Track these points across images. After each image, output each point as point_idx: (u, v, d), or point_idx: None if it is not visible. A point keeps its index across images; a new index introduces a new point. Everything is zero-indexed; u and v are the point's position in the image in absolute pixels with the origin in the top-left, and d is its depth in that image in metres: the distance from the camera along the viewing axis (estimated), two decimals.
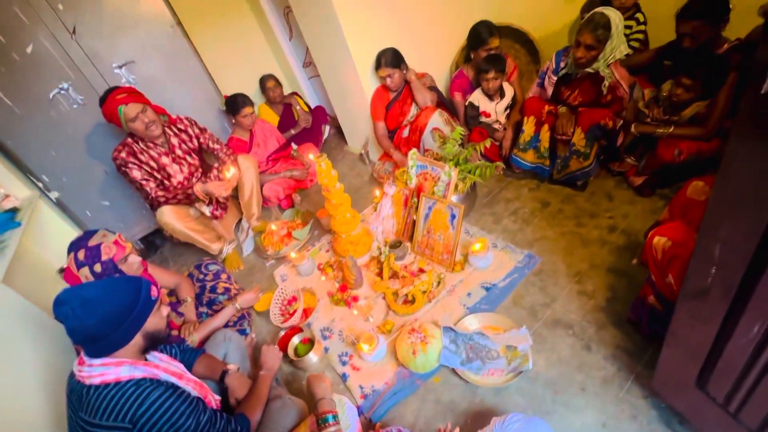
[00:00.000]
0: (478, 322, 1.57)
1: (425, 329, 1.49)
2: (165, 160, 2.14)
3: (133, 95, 1.96)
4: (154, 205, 2.11)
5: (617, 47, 1.80)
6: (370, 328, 1.71)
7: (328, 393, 1.28)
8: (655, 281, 1.20)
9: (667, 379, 1.08)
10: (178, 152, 2.19)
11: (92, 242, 1.43)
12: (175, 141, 2.18)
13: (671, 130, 1.78)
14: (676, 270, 1.08)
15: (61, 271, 2.10)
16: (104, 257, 1.43)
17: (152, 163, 2.10)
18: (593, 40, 1.73)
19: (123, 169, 2.03)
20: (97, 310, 1.00)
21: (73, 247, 1.44)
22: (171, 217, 2.08)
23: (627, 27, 2.02)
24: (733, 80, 1.61)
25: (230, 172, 2.21)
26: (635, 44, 2.07)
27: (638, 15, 2.04)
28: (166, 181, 2.16)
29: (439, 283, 1.79)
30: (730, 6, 1.62)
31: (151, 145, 2.10)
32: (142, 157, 2.07)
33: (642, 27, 2.06)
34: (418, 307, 1.70)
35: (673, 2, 2.02)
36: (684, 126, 1.77)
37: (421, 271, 1.87)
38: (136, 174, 2.04)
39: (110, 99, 1.91)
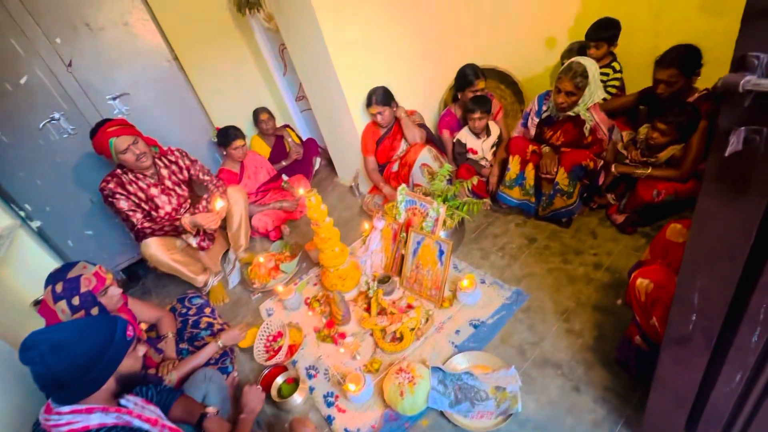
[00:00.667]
0: (467, 361, 1.55)
1: (413, 369, 1.46)
2: (154, 191, 2.13)
3: (125, 128, 1.97)
4: (140, 236, 2.07)
5: (595, 92, 1.90)
6: (357, 366, 1.67)
7: None
8: (639, 322, 1.21)
9: (656, 424, 1.06)
10: (168, 183, 2.19)
11: (71, 274, 1.39)
12: (165, 172, 2.18)
13: (649, 171, 1.86)
14: (660, 312, 1.10)
15: (36, 303, 2.02)
16: (83, 289, 1.38)
17: (140, 194, 2.09)
18: (572, 87, 1.83)
19: (110, 199, 2.01)
20: (68, 355, 0.95)
21: (51, 279, 1.40)
22: (156, 249, 2.04)
23: (604, 75, 2.15)
24: (704, 127, 1.71)
25: (219, 204, 2.20)
26: (612, 90, 2.19)
27: (614, 64, 2.18)
28: (153, 212, 2.14)
29: (427, 320, 1.77)
30: (702, 62, 1.75)
31: (140, 176, 2.09)
32: (130, 188, 2.06)
33: (618, 75, 2.19)
34: (406, 344, 1.67)
35: (647, 53, 2.17)
36: (661, 168, 1.85)
37: (410, 307, 1.85)
38: (123, 204, 2.02)
39: (101, 132, 1.92)
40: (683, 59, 1.72)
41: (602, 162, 2.03)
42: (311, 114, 3.37)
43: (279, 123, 3.39)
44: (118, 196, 2.01)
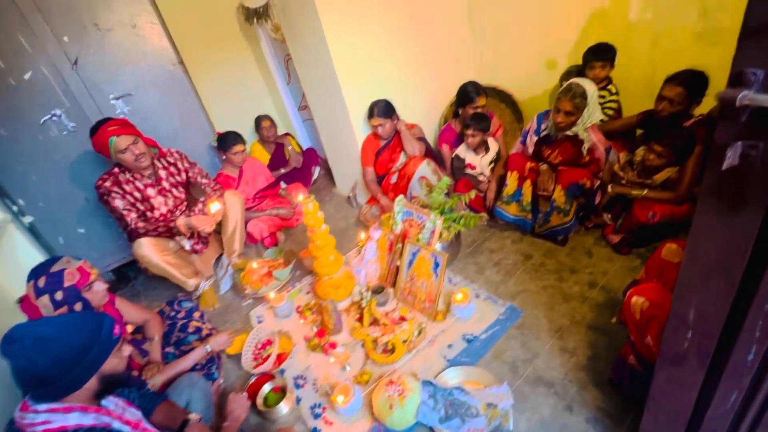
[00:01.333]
0: (459, 376, 1.52)
1: (403, 382, 1.43)
2: (150, 191, 2.12)
3: (125, 127, 1.97)
4: (133, 236, 2.05)
5: (593, 113, 1.93)
6: (346, 377, 1.63)
7: None
8: (634, 341, 1.20)
9: None
10: (165, 184, 2.18)
11: (54, 268, 1.36)
12: (162, 173, 2.17)
13: (645, 192, 1.88)
14: (655, 331, 1.09)
15: (20, 300, 1.98)
16: (67, 283, 1.35)
17: (136, 194, 2.08)
18: (572, 107, 1.87)
19: (105, 197, 1.99)
20: (52, 351, 0.92)
21: (34, 274, 1.36)
22: (149, 249, 2.01)
23: (601, 97, 2.19)
24: (699, 151, 1.74)
25: (214, 207, 2.19)
26: (609, 112, 2.23)
27: (610, 86, 2.23)
28: (148, 213, 2.12)
29: (420, 332, 1.74)
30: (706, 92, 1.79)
31: (138, 176, 2.08)
32: (126, 187, 2.04)
33: (615, 97, 2.23)
34: (398, 356, 1.64)
35: (643, 80, 2.23)
36: (657, 189, 1.88)
37: (403, 319, 1.83)
38: (118, 203, 2.00)
39: (102, 130, 1.92)
40: (693, 83, 1.76)
41: (599, 181, 2.05)
42: (313, 124, 3.40)
43: (280, 131, 3.41)
44: (113, 194, 2.00)
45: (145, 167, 2.06)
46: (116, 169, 2.05)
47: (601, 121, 2.01)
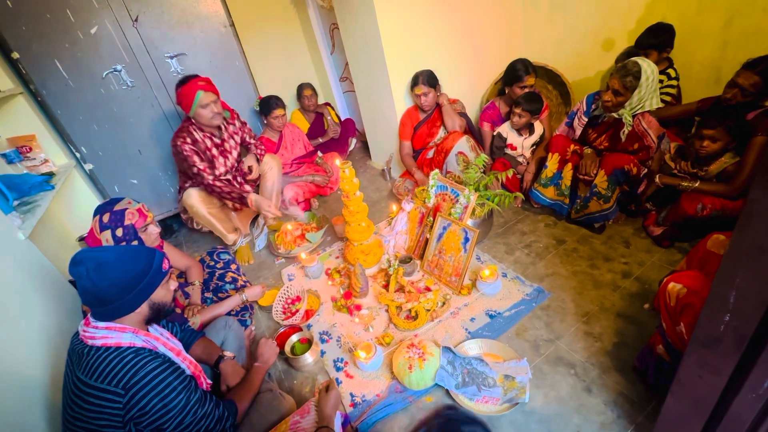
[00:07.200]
0: (479, 348, 1.55)
1: (424, 346, 1.48)
2: (215, 151, 2.24)
3: (211, 86, 2.09)
4: (208, 191, 2.19)
5: (646, 99, 1.81)
6: (369, 338, 1.70)
7: (335, 411, 1.26)
8: (665, 329, 1.17)
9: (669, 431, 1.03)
10: (226, 146, 2.29)
11: (117, 207, 1.49)
12: (225, 135, 2.28)
13: (696, 184, 1.77)
14: (689, 319, 1.06)
15: (81, 239, 2.18)
16: (127, 222, 1.48)
17: (207, 153, 2.21)
18: (621, 86, 1.77)
19: (184, 154, 2.10)
20: (110, 275, 1.03)
21: (99, 210, 1.50)
22: (196, 200, 2.16)
23: (659, 81, 2.05)
24: (762, 143, 1.61)
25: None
26: (666, 98, 2.09)
27: (670, 70, 2.08)
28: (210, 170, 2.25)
29: (444, 303, 1.77)
30: None
31: (208, 135, 2.20)
32: (200, 145, 2.17)
33: (673, 82, 2.08)
34: (420, 324, 1.69)
35: (710, 63, 2.06)
36: (710, 182, 1.76)
37: (428, 289, 1.87)
38: (196, 159, 2.12)
39: (192, 83, 2.03)
40: None
41: (646, 170, 1.95)
42: (352, 96, 3.42)
43: (321, 101, 3.45)
44: (190, 150, 2.11)
45: (216, 125, 2.17)
46: (191, 127, 2.14)
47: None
